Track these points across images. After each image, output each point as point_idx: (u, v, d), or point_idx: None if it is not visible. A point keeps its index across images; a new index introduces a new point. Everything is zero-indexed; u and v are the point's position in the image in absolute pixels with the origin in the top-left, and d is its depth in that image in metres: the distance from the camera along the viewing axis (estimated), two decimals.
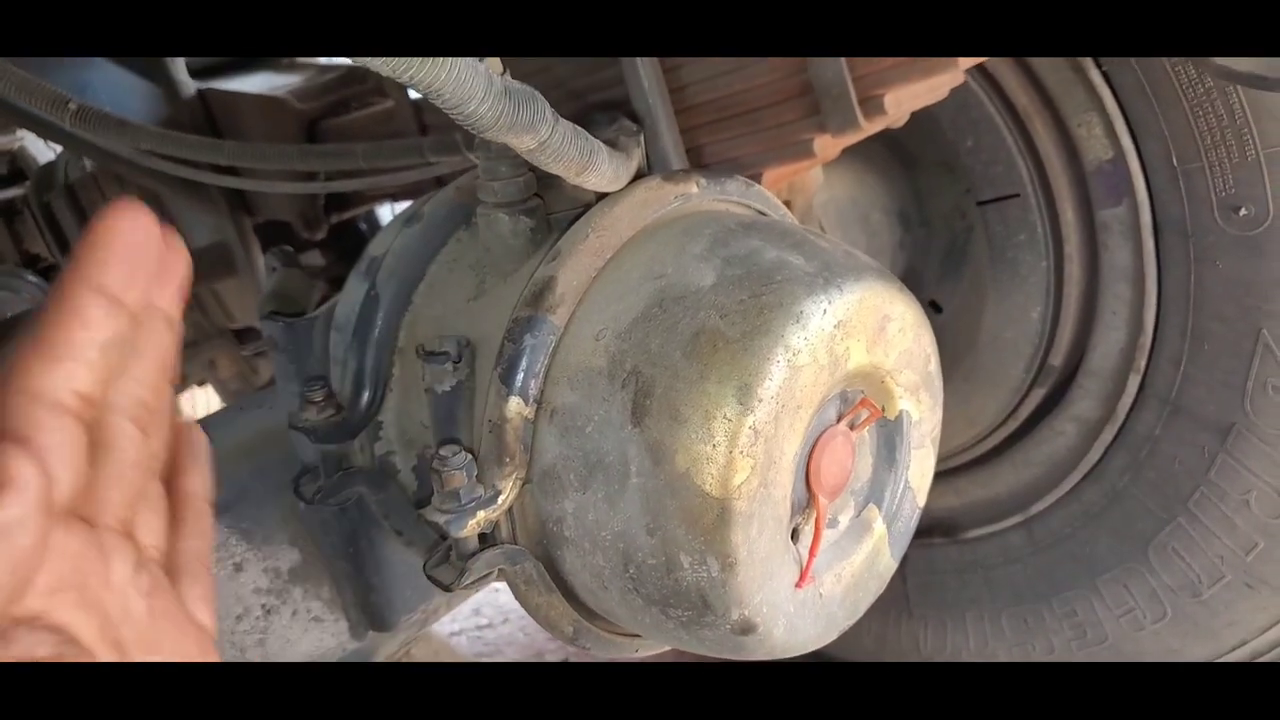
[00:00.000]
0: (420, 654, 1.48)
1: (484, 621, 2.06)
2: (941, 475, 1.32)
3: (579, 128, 0.51)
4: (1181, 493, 1.07)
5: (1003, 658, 1.27)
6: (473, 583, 0.54)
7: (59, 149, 2.06)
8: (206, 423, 0.86)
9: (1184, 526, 1.07)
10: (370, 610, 0.79)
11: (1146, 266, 1.06)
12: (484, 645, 1.99)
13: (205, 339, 2.34)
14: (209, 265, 1.71)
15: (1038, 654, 1.23)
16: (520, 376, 0.54)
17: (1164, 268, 1.05)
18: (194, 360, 2.42)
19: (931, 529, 1.34)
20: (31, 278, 2.09)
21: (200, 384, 2.47)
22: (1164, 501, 1.08)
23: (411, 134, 1.09)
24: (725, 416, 0.50)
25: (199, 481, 0.44)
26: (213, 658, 0.41)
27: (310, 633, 0.78)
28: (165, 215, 1.87)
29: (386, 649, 0.83)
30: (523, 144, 0.47)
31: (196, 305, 2.28)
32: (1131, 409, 1.11)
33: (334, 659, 0.80)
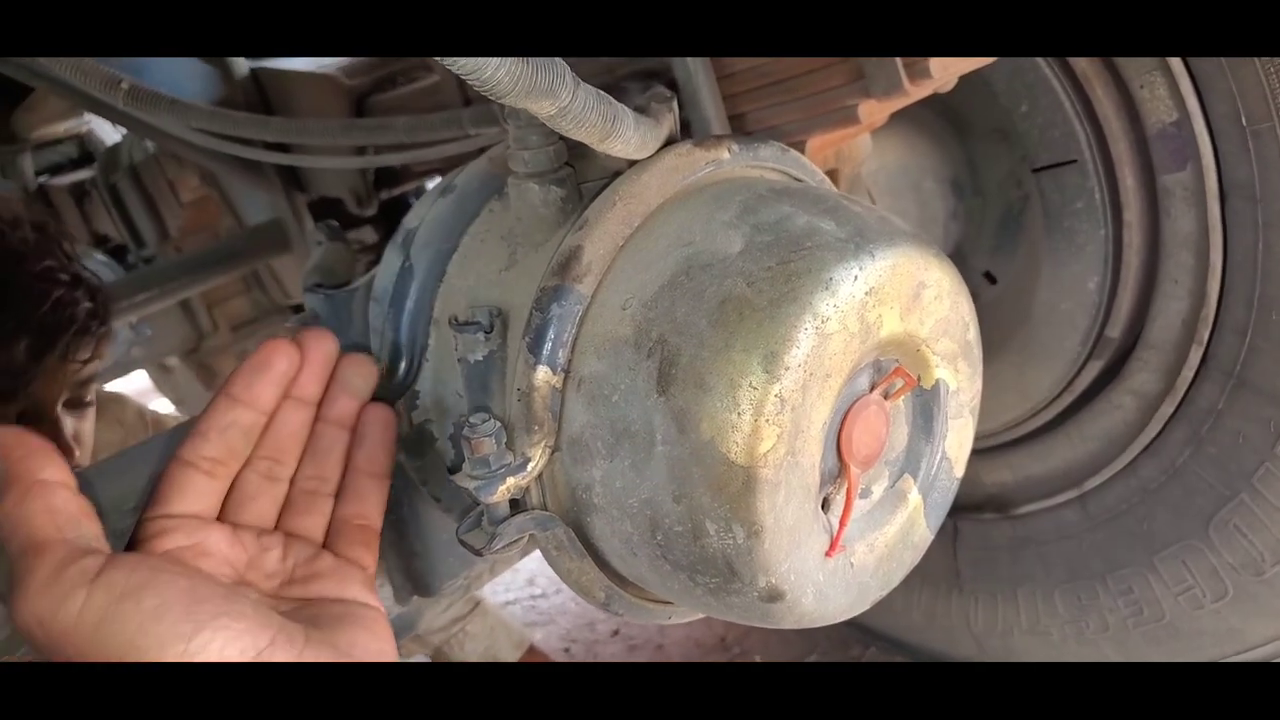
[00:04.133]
0: (476, 629, 1.51)
1: (538, 591, 2.09)
2: (995, 450, 1.30)
3: (603, 93, 0.51)
4: (1245, 468, 1.03)
5: (1055, 635, 1.25)
6: (504, 547, 0.54)
7: (125, 131, 2.13)
8: None
9: (1247, 503, 1.04)
10: (414, 576, 0.81)
11: (1211, 233, 1.02)
12: (538, 614, 2.02)
13: (263, 315, 2.40)
14: (265, 242, 1.75)
15: (1091, 631, 1.21)
16: (548, 346, 0.55)
17: (1230, 234, 1.01)
18: (253, 337, 2.49)
19: (984, 504, 1.32)
20: (101, 257, 2.17)
21: None
22: (1226, 477, 1.05)
23: (456, 107, 1.09)
24: (751, 385, 0.49)
25: (364, 457, 0.60)
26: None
27: None
28: (222, 194, 1.92)
29: (430, 614, 0.85)
30: (543, 109, 0.47)
31: (255, 282, 2.35)
32: (1193, 382, 1.08)
33: None
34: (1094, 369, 1.17)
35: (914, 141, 1.24)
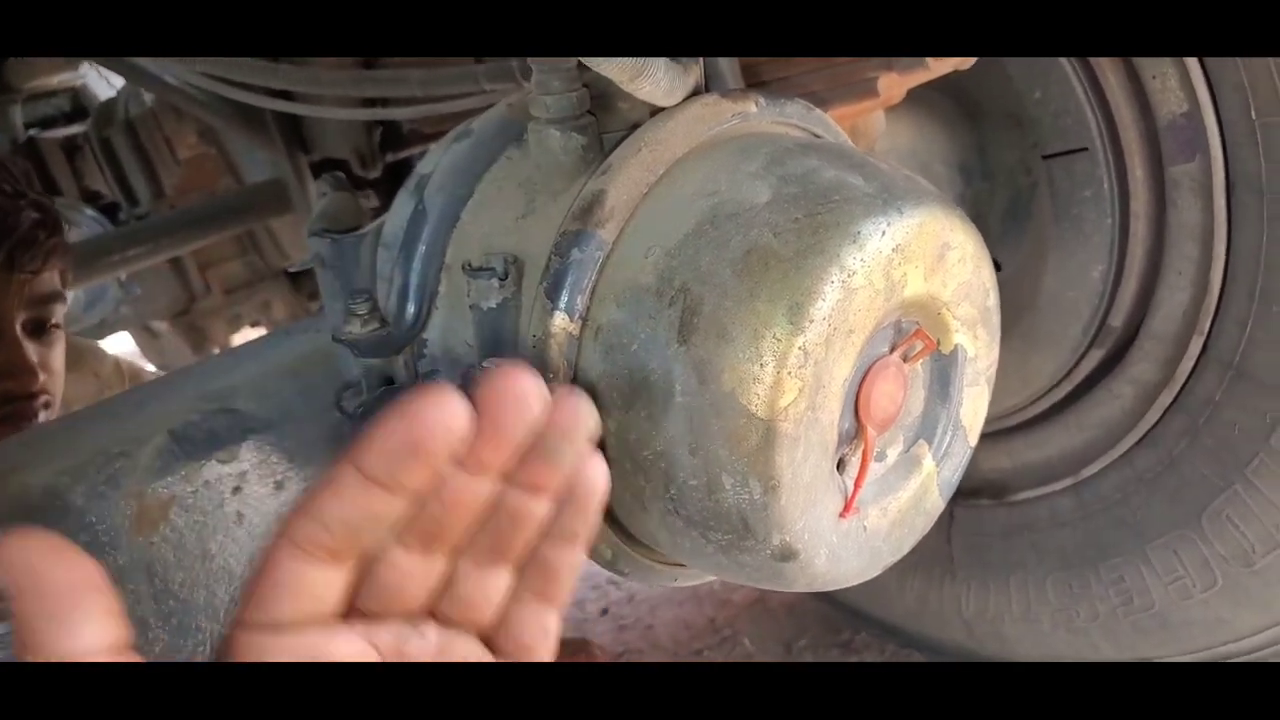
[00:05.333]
0: None
1: None
2: (993, 436, 1.30)
3: None
4: (1240, 459, 1.03)
5: (1045, 623, 1.25)
6: None
7: (120, 85, 2.09)
8: (254, 345, 0.87)
9: (1241, 494, 1.04)
10: None
11: (1217, 225, 1.02)
12: None
13: (260, 280, 2.37)
14: (264, 202, 1.73)
15: (1081, 620, 1.21)
16: (566, 292, 0.54)
17: (1235, 226, 1.01)
18: (248, 301, 2.46)
19: (980, 490, 1.32)
20: (90, 212, 2.13)
21: (254, 325, 2.51)
22: (1221, 468, 1.05)
23: (468, 64, 1.08)
24: (774, 336, 0.49)
25: (559, 523, 0.42)
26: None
27: None
28: (221, 151, 1.89)
29: None
30: None
31: (251, 245, 2.32)
32: (1192, 372, 1.08)
33: None
34: (1095, 357, 1.17)
35: (925, 124, 1.23)
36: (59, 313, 1.17)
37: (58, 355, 1.16)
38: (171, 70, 1.13)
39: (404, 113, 1.02)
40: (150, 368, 2.72)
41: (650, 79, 0.51)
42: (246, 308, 2.48)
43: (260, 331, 2.44)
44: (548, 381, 0.54)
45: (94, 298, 2.23)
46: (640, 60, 0.50)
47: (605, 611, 1.85)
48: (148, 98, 1.89)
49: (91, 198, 2.23)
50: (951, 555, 1.34)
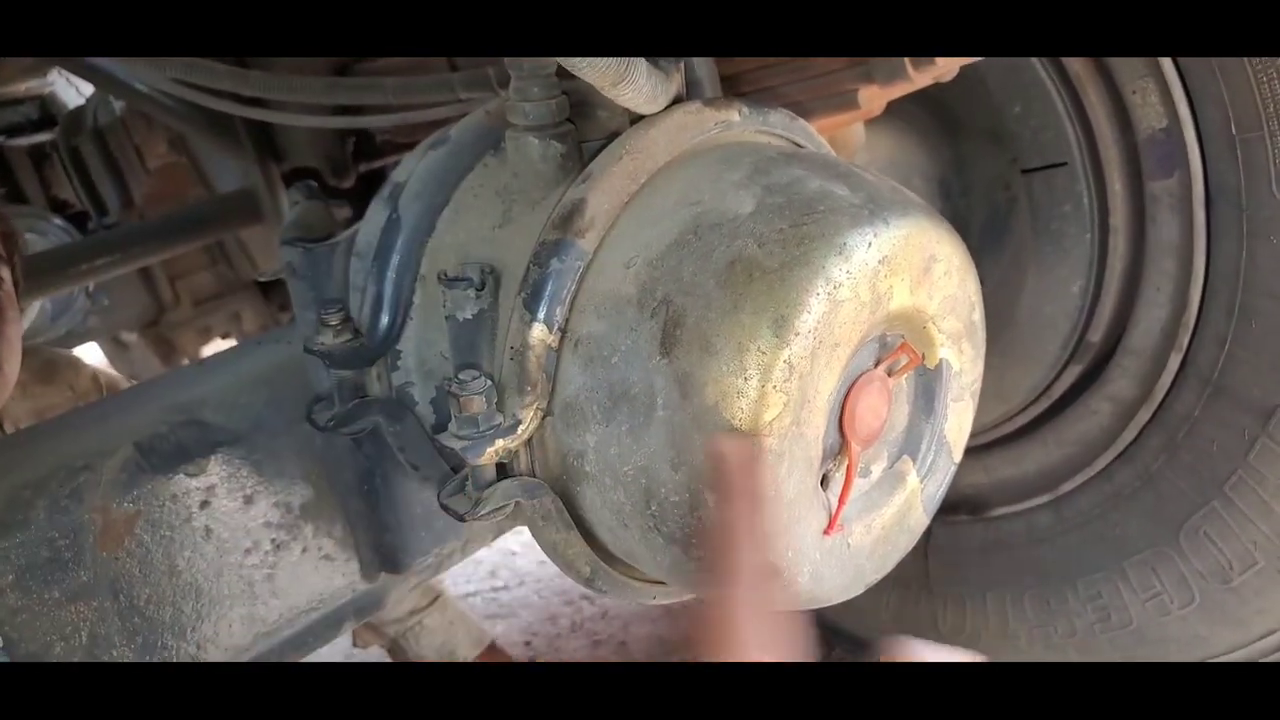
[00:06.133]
0: (433, 622, 1.47)
1: (500, 584, 2.06)
2: (971, 452, 1.29)
3: None
4: (1218, 476, 1.03)
5: (1022, 639, 1.24)
6: (488, 514, 0.51)
7: (89, 93, 2.06)
8: (224, 356, 0.85)
9: (1218, 511, 1.04)
10: (383, 551, 0.78)
11: (1195, 241, 1.02)
12: (499, 607, 1.99)
13: (231, 291, 2.34)
14: (234, 212, 1.70)
15: (1059, 636, 1.20)
16: (545, 302, 0.52)
17: (1214, 242, 1.01)
18: (218, 312, 2.42)
19: (958, 506, 1.31)
20: (58, 221, 2.09)
21: (224, 336, 2.48)
22: (1199, 484, 1.05)
23: (443, 73, 1.06)
24: (759, 349, 0.47)
25: None
26: None
27: (320, 571, 0.77)
28: (192, 161, 1.86)
29: (397, 593, 0.82)
30: None
31: (221, 255, 2.28)
32: (1170, 389, 1.07)
33: (343, 599, 0.79)
34: (1073, 373, 1.17)
35: (904, 139, 1.23)
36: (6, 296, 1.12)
37: (6, 348, 1.11)
38: (141, 77, 1.11)
39: (377, 121, 1.00)
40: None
41: (632, 84, 0.50)
42: (216, 319, 2.44)
43: (231, 343, 2.40)
44: (524, 393, 0.52)
45: (61, 308, 2.18)
46: (622, 65, 0.48)
47: (578, 627, 1.82)
48: (117, 106, 1.86)
49: (60, 207, 2.19)
50: (928, 571, 1.33)
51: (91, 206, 2.08)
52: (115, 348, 2.66)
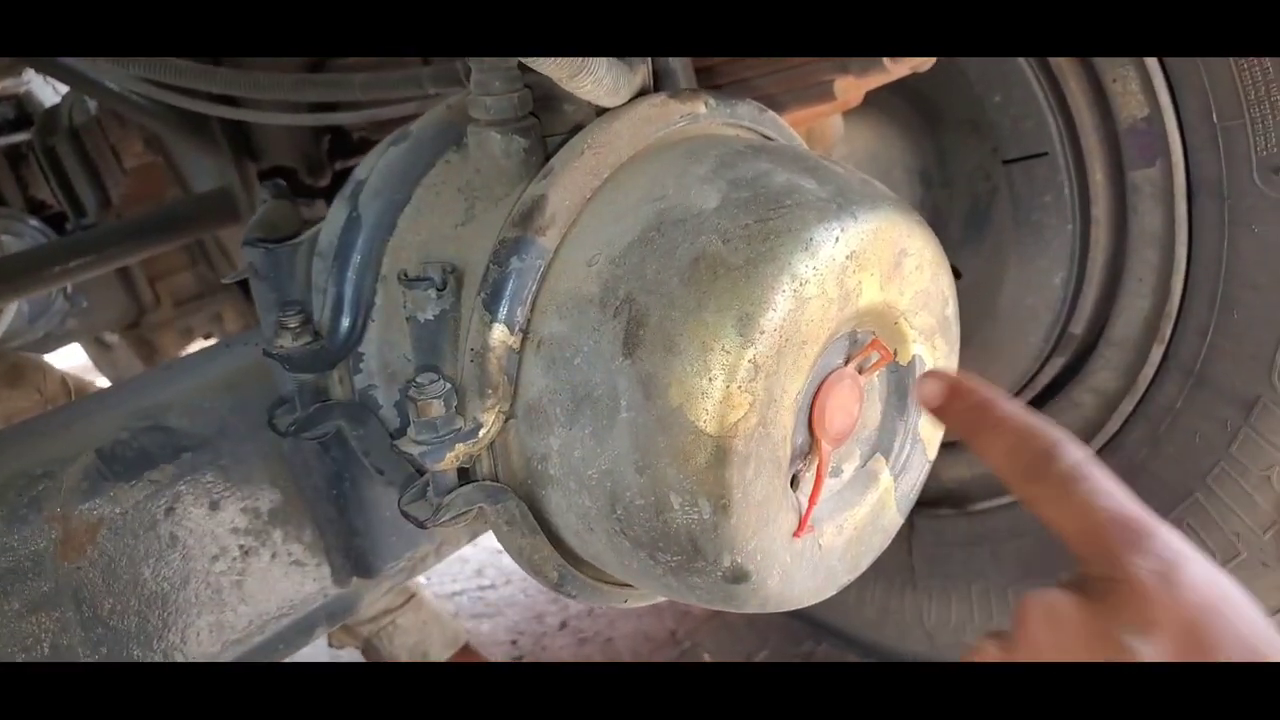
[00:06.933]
0: (407, 622, 1.46)
1: (486, 582, 2.04)
2: (953, 445, 1.28)
3: None
4: (1201, 468, 1.02)
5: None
6: (450, 520, 0.50)
7: (66, 92, 2.03)
8: (190, 359, 0.83)
9: (1201, 502, 1.03)
10: (354, 556, 0.76)
11: (1178, 231, 1.01)
12: (485, 606, 1.98)
13: (212, 292, 2.32)
14: (211, 212, 1.68)
15: None
16: (506, 303, 0.51)
17: (1195, 232, 1.00)
18: (199, 313, 2.40)
19: (940, 500, 1.31)
20: (34, 223, 2.07)
21: (206, 337, 2.46)
22: (1182, 476, 1.04)
23: (418, 68, 1.05)
24: (724, 348, 0.46)
25: None
26: None
27: (290, 577, 0.76)
28: (168, 160, 1.84)
29: (370, 597, 0.81)
30: None
31: (201, 256, 2.26)
32: (1153, 380, 1.07)
33: (315, 605, 0.77)
34: (1056, 365, 1.16)
35: (884, 130, 1.22)
36: None
37: None
38: (106, 75, 1.09)
39: (348, 117, 0.98)
40: (104, 382, 2.65)
41: (591, 76, 0.48)
42: (198, 320, 2.42)
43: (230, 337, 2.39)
44: (485, 396, 0.51)
45: (39, 310, 2.16)
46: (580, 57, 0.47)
47: (564, 625, 1.81)
48: (92, 105, 1.83)
49: (38, 207, 2.16)
50: (912, 565, 1.32)
51: (69, 207, 2.05)
52: (99, 349, 2.64)
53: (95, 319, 2.26)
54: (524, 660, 1.74)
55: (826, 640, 1.55)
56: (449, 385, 0.49)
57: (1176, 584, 0.40)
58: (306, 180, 1.50)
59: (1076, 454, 0.44)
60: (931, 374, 0.48)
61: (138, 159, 1.91)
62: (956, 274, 1.21)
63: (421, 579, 2.11)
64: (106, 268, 1.77)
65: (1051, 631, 0.43)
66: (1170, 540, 0.42)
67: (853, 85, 0.82)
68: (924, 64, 0.85)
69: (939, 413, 0.48)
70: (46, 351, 2.24)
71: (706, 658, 1.62)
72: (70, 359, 2.91)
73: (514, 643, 1.82)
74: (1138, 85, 1.00)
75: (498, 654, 1.78)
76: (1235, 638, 0.39)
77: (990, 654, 0.45)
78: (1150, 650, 0.40)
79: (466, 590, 2.06)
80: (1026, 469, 0.45)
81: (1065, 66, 1.05)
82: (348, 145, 1.47)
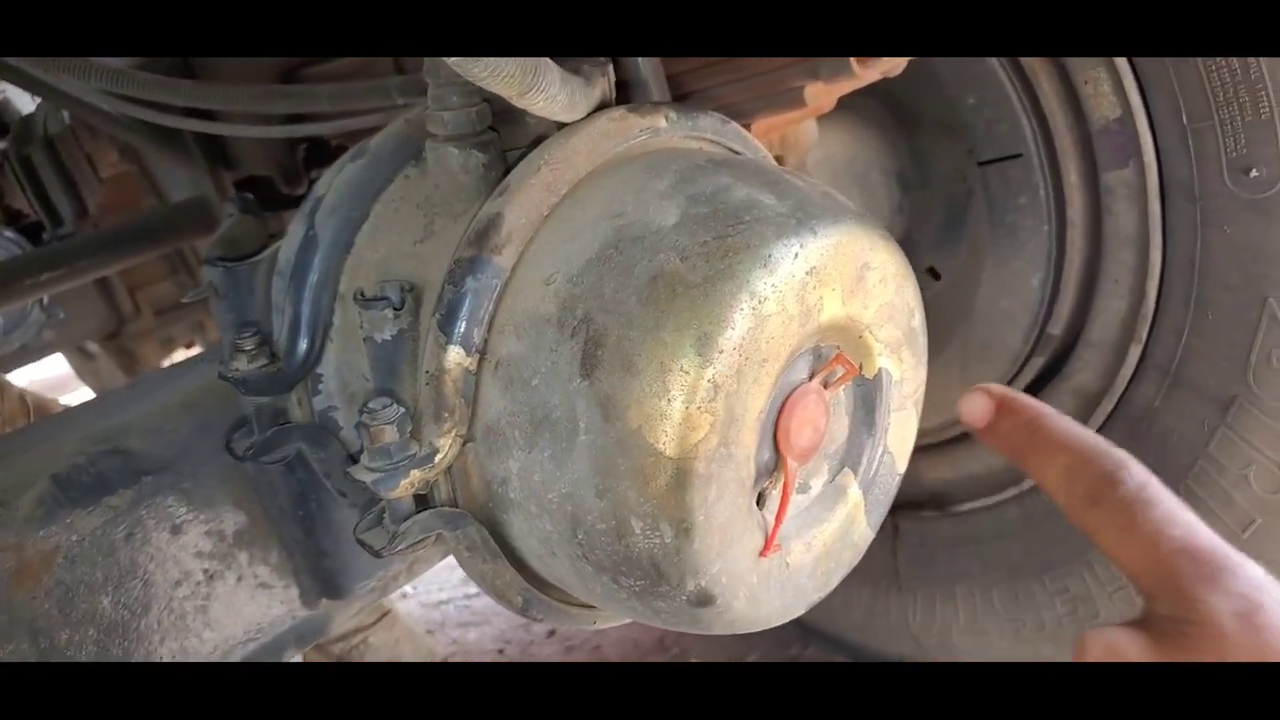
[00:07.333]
0: (378, 640, 1.44)
1: (473, 591, 2.03)
2: (935, 447, 1.28)
3: None
4: (1179, 467, 1.02)
5: (993, 633, 1.23)
6: (406, 548, 0.49)
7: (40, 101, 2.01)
8: (151, 379, 0.82)
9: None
10: (323, 577, 0.75)
11: (1152, 232, 1.01)
12: (471, 614, 1.97)
13: (192, 301, 2.29)
14: (187, 221, 1.66)
15: (1028, 629, 1.20)
16: (462, 324, 0.50)
17: (1169, 233, 1.00)
18: (180, 323, 2.38)
19: (924, 502, 1.30)
20: (9, 234, 2.05)
21: (188, 346, 2.44)
22: (1161, 476, 1.03)
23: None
24: (682, 369, 0.45)
25: None
26: None
27: (257, 599, 0.74)
28: (143, 170, 1.82)
29: (341, 618, 0.80)
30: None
31: (181, 265, 2.24)
32: (1131, 381, 1.07)
33: (283, 627, 0.76)
34: (1035, 366, 1.16)
35: (860, 133, 1.22)
36: None
37: None
38: (67, 87, 1.07)
39: (320, 128, 0.97)
40: (75, 396, 2.63)
41: (543, 93, 0.47)
42: (179, 329, 2.40)
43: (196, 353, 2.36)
44: (441, 420, 0.50)
45: (14, 322, 2.13)
46: (529, 72, 0.46)
47: (552, 634, 1.80)
48: (66, 113, 1.81)
49: (14, 217, 2.14)
50: (897, 568, 1.32)
51: (45, 217, 2.03)
52: (81, 359, 2.61)
53: (73, 330, 2.23)
54: None
55: (814, 644, 1.54)
56: (402, 410, 0.48)
57: (1260, 626, 0.36)
58: (283, 190, 1.48)
59: (1142, 476, 0.41)
60: (978, 389, 0.44)
61: (113, 168, 1.89)
62: (935, 275, 1.22)
63: (408, 587, 2.09)
64: (82, 279, 1.75)
65: None
66: (1254, 576, 0.37)
67: (823, 91, 0.81)
68: (895, 67, 0.85)
69: (986, 432, 0.45)
70: (24, 364, 2.21)
71: (695, 661, 1.62)
72: (52, 370, 2.88)
73: (501, 651, 1.81)
74: (1109, 86, 1.00)
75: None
76: None
77: None
78: None
79: (453, 599, 2.04)
80: (1086, 494, 0.41)
81: (1038, 68, 1.05)
82: (325, 154, 1.46)
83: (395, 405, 0.48)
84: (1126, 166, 1.02)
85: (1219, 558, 0.38)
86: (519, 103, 0.48)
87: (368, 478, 0.47)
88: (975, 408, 0.43)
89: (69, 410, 0.82)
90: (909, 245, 1.22)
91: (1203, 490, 1.01)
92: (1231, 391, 0.96)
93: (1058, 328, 1.13)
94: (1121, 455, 0.40)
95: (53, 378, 3.12)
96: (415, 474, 0.48)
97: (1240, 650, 0.35)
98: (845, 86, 0.82)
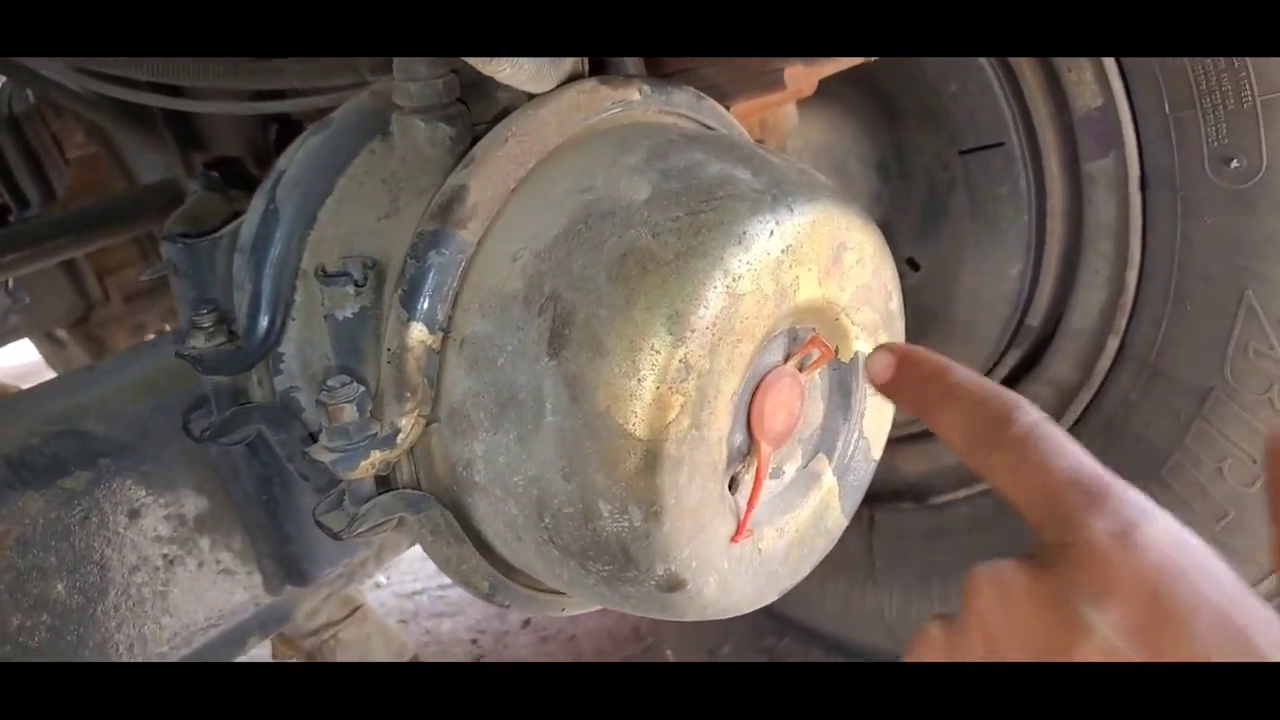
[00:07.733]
0: (349, 636, 1.42)
1: (447, 581, 2.01)
2: (912, 439, 1.27)
3: None
4: (1156, 459, 1.02)
5: None
6: (367, 531, 0.48)
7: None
8: (111, 361, 0.80)
9: (1156, 494, 1.01)
10: (287, 563, 0.73)
11: (1132, 222, 1.01)
12: (446, 605, 1.95)
13: (163, 287, 2.25)
14: (157, 203, 1.63)
15: None
16: (425, 300, 0.48)
17: (1149, 224, 1.00)
18: (152, 309, 2.34)
19: (901, 494, 1.30)
20: None
21: (159, 333, 2.39)
22: (1138, 468, 1.04)
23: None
24: (653, 348, 0.44)
25: None
26: None
27: (219, 586, 0.72)
28: (111, 152, 1.78)
29: (305, 605, 0.78)
30: None
31: (152, 249, 2.20)
32: (1109, 372, 1.06)
33: (246, 614, 0.74)
34: (1013, 357, 1.16)
35: (840, 121, 1.21)
36: None
37: None
38: (35, 62, 1.04)
39: (289, 105, 0.94)
40: (27, 384, 2.57)
41: (510, 60, 0.45)
42: (150, 315, 2.35)
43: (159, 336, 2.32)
44: (403, 400, 0.48)
45: None
46: None
47: (527, 624, 1.79)
48: (31, 93, 1.77)
49: None
50: (873, 560, 1.31)
51: (11, 198, 1.98)
52: (52, 346, 2.56)
53: (40, 315, 2.18)
54: (485, 659, 1.71)
55: (790, 635, 1.54)
56: (362, 388, 0.46)
57: (1135, 545, 0.36)
58: (255, 171, 1.45)
59: (1034, 415, 0.40)
60: (881, 347, 0.44)
61: (80, 149, 1.85)
62: (915, 266, 1.21)
63: (381, 578, 2.07)
64: (47, 261, 1.71)
65: (1001, 605, 0.39)
66: (1130, 498, 0.38)
67: (803, 74, 0.79)
68: None
69: (890, 387, 0.44)
70: None
71: (669, 654, 1.61)
72: (22, 357, 2.83)
73: (475, 641, 1.80)
74: (1092, 75, 0.99)
75: (459, 653, 1.75)
76: (1202, 600, 0.35)
77: (936, 635, 0.41)
78: (1106, 618, 0.36)
79: (428, 589, 2.02)
80: (981, 436, 0.41)
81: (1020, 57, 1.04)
82: (296, 132, 1.43)
83: (355, 384, 0.46)
84: (1108, 156, 1.01)
85: (1102, 484, 0.38)
86: (485, 70, 0.46)
87: (326, 458, 0.46)
88: (877, 364, 0.43)
89: (23, 392, 0.80)
90: (888, 235, 1.20)
91: (1178, 483, 1.01)
92: (1209, 383, 0.96)
93: (1037, 318, 1.12)
94: (1014, 396, 0.41)
95: (23, 365, 3.07)
96: (376, 455, 0.46)
97: (1116, 567, 0.36)
98: (826, 69, 0.81)
